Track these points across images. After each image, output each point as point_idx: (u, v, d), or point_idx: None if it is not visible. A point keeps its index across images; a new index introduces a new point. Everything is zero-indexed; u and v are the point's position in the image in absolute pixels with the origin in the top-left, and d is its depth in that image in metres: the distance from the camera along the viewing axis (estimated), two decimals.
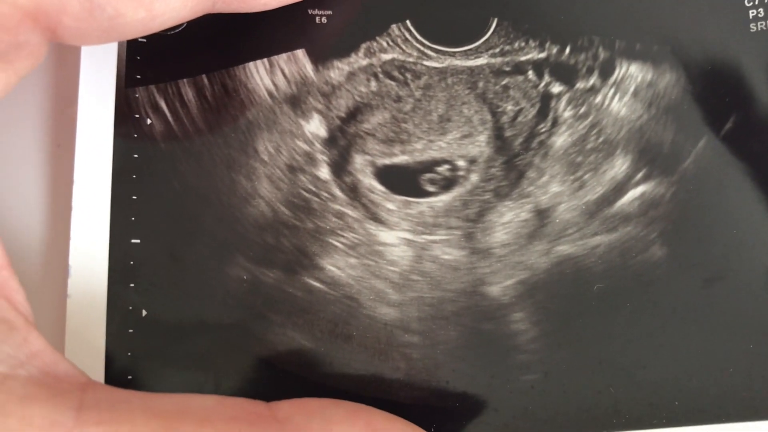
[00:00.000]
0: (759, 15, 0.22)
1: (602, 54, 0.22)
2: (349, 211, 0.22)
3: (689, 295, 0.21)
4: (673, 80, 0.22)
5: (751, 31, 0.22)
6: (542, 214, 0.22)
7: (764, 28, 0.22)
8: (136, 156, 0.22)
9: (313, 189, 0.22)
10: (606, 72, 0.22)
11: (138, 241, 0.21)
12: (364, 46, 0.23)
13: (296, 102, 0.22)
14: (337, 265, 0.21)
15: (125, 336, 0.21)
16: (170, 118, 0.22)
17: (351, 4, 0.23)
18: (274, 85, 0.22)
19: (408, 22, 0.23)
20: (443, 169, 0.22)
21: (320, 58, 0.22)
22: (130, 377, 0.20)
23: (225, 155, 0.22)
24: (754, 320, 0.21)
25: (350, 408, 0.18)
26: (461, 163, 0.22)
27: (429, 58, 0.23)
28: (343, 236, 0.22)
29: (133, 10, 0.18)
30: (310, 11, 0.23)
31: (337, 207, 0.22)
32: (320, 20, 0.23)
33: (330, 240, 0.22)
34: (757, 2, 0.22)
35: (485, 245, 0.22)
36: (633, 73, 0.22)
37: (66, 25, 0.17)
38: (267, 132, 0.22)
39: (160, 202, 0.21)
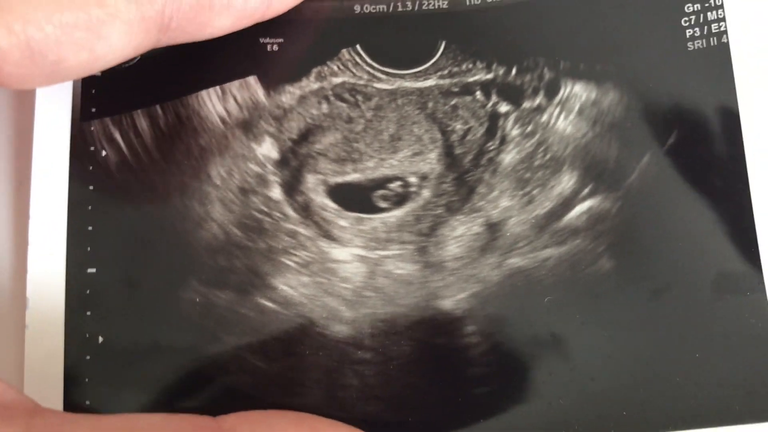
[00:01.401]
0: (695, 34, 0.23)
1: (547, 74, 0.23)
2: (302, 230, 0.22)
3: (637, 306, 0.21)
4: (617, 98, 0.23)
5: (689, 50, 0.23)
6: (493, 228, 0.22)
7: (701, 47, 0.23)
8: (91, 188, 0.22)
9: (265, 209, 0.22)
10: (551, 92, 0.23)
11: (94, 270, 0.21)
12: (315, 70, 0.23)
13: (248, 126, 0.23)
14: (290, 284, 0.22)
15: (83, 363, 0.21)
16: (125, 149, 0.22)
17: (302, 32, 0.23)
18: (227, 111, 0.23)
19: (358, 46, 0.23)
20: (395, 185, 0.22)
21: (272, 83, 0.23)
22: (88, 402, 0.20)
23: (178, 182, 0.22)
24: (701, 330, 0.21)
25: (294, 416, 0.18)
26: (413, 179, 0.22)
27: (379, 80, 0.23)
28: (295, 255, 0.22)
29: (75, 53, 0.18)
30: (261, 40, 0.23)
31: (290, 226, 0.22)
32: (272, 48, 0.23)
33: (282, 259, 0.22)
34: (693, 22, 0.23)
35: (438, 259, 0.22)
36: (577, 92, 0.23)
37: (8, 72, 0.17)
38: (219, 157, 0.22)
39: (115, 232, 0.22)
